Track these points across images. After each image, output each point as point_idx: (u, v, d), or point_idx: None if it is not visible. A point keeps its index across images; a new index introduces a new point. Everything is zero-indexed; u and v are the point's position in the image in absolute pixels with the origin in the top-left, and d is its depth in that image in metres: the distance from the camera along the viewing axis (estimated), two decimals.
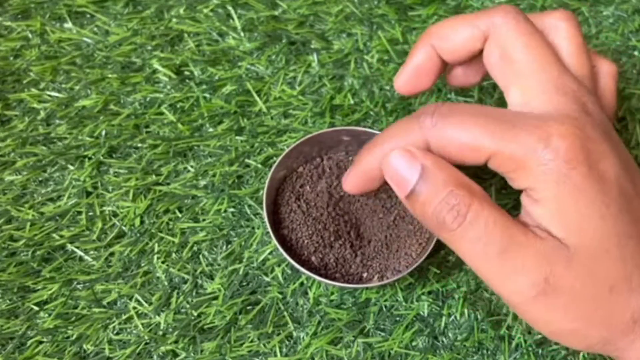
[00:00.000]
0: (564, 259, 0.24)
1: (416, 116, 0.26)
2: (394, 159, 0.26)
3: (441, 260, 0.34)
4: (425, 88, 0.30)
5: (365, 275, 0.31)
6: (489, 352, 0.32)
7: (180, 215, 0.35)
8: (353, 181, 0.29)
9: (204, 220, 0.35)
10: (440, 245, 0.34)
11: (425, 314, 0.33)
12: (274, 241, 0.30)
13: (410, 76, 0.30)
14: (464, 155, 0.25)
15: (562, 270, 0.24)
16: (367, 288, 0.33)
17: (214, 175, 0.36)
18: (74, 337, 0.32)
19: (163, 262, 0.34)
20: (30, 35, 0.41)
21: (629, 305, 0.24)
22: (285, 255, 0.30)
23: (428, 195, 0.25)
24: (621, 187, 0.24)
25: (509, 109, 0.26)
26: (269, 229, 0.30)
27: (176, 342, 0.32)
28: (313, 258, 0.31)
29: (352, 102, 0.38)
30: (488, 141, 0.24)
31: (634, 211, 0.25)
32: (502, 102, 0.36)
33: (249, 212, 0.35)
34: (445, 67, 0.30)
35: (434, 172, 0.25)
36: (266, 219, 0.31)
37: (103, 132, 0.37)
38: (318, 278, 0.29)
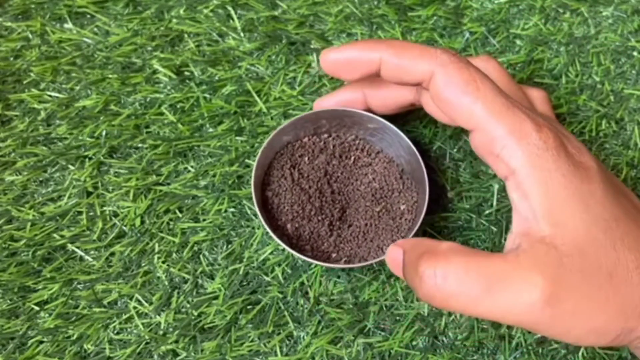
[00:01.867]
0: (554, 262, 0.23)
1: (435, 49, 0.27)
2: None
3: None
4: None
5: (334, 255, 0.31)
6: (489, 352, 0.32)
7: (180, 215, 0.35)
8: (338, 57, 0.29)
9: (204, 220, 0.35)
10: None
11: (426, 314, 0.33)
12: (254, 199, 0.30)
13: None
14: (455, 113, 0.26)
15: (555, 272, 0.23)
16: (329, 267, 0.33)
17: (214, 176, 0.36)
18: (75, 337, 0.32)
19: (163, 262, 0.34)
20: (30, 36, 0.41)
21: (636, 289, 0.24)
22: (258, 212, 0.30)
23: (411, 271, 0.26)
24: (603, 175, 0.26)
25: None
26: (252, 185, 0.31)
27: (176, 341, 0.32)
28: (289, 225, 0.32)
29: None
30: (483, 114, 0.25)
31: (617, 195, 0.26)
32: None
33: (249, 212, 0.35)
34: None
35: (409, 252, 0.27)
36: (253, 174, 0.31)
37: (103, 133, 0.37)
38: (282, 244, 0.29)
